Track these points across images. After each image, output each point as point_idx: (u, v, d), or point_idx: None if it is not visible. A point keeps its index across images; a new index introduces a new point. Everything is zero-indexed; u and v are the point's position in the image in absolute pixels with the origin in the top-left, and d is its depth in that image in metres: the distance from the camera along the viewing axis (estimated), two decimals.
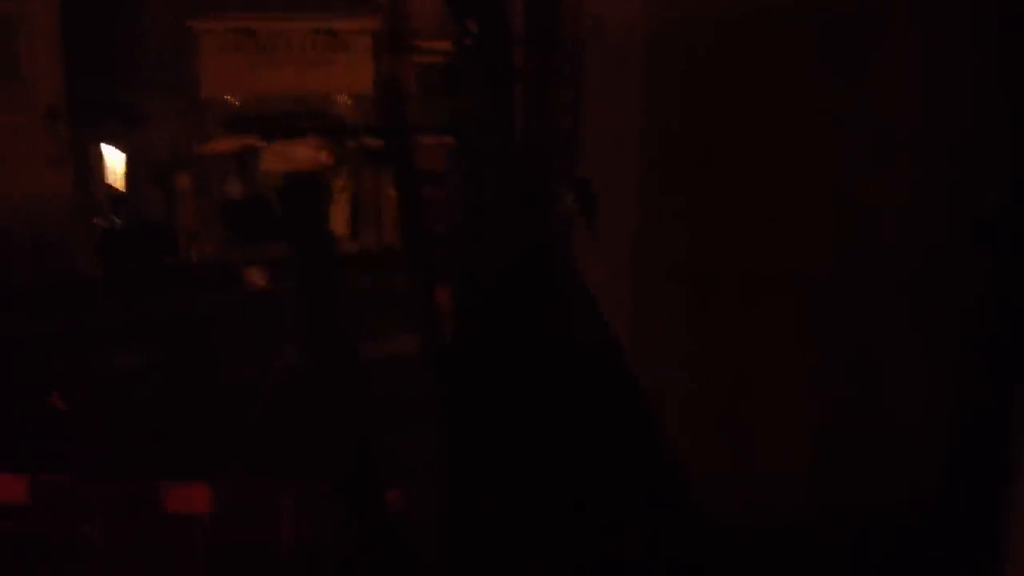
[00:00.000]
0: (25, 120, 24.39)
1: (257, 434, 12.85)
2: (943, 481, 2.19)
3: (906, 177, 2.55)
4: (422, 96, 24.92)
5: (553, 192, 4.37)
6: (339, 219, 28.22)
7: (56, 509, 13.64)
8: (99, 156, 29.08)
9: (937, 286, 2.40)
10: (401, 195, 6.68)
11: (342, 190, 28.77)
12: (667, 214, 4.33)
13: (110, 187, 30.07)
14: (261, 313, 24.17)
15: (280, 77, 27.73)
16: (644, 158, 4.74)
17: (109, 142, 28.95)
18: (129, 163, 29.50)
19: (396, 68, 28.73)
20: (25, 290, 23.24)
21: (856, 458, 2.62)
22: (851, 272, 2.76)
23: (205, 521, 13.00)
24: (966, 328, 2.30)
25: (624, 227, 5.11)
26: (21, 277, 23.78)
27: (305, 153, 26.05)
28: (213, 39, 26.86)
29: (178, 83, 26.88)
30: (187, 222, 27.94)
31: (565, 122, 5.74)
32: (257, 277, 26.91)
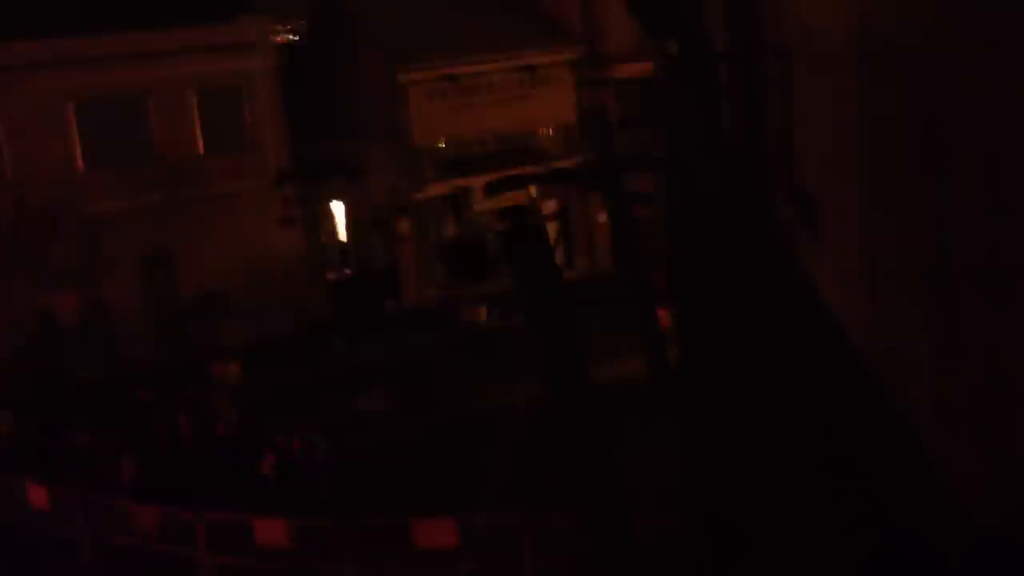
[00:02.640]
0: (257, 185, 25.96)
1: (497, 467, 13.16)
2: None
3: None
4: (624, 119, 24.99)
5: (771, 201, 4.33)
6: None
7: (315, 550, 14.39)
8: (326, 211, 30.69)
9: None
10: (615, 221, 6.74)
11: (552, 220, 29.14)
12: (897, 215, 4.20)
13: (337, 239, 31.64)
14: (484, 349, 24.79)
15: (484, 117, 28.44)
16: (865, 160, 4.62)
17: (333, 196, 30.50)
18: (352, 214, 30.97)
19: (597, 96, 28.93)
20: (258, 342, 24.65)
21: None
22: None
23: (453, 553, 13.37)
24: None
25: (850, 230, 4.99)
26: (256, 331, 25.21)
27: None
28: (420, 88, 27.86)
29: (392, 133, 28.04)
30: (409, 266, 29.02)
31: (776, 132, 5.66)
32: (478, 315, 27.61)
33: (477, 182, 28.52)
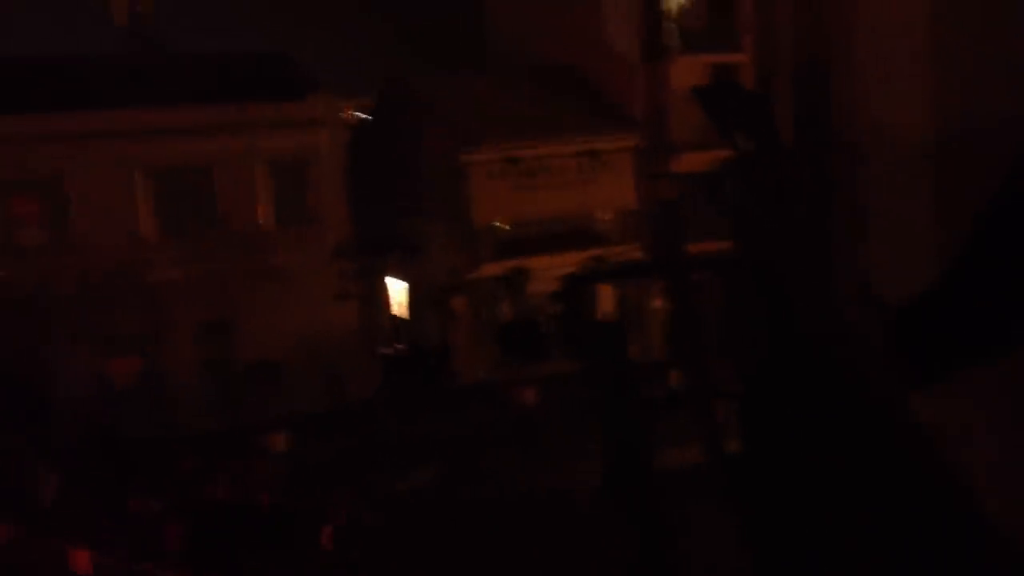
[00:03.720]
0: (315, 259, 26.28)
1: (543, 552, 12.96)
2: None
3: None
4: (687, 208, 24.99)
5: (844, 306, 4.23)
6: None
7: None
8: (383, 287, 30.96)
9: None
10: (677, 311, 6.68)
11: (607, 305, 29.08)
12: None
13: (393, 316, 31.86)
14: (534, 431, 24.65)
15: (544, 199, 28.66)
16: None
17: (392, 273, 30.80)
18: (409, 291, 31.20)
19: (661, 185, 29.02)
20: (309, 414, 24.73)
21: None
22: None
23: None
24: None
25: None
26: (308, 402, 25.30)
27: (570, 272, 26.62)
28: (482, 168, 28.19)
29: (452, 213, 28.35)
30: (462, 343, 29.07)
31: (845, 236, 5.57)
32: (528, 396, 27.51)
33: (534, 262, 28.62)
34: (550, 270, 26.94)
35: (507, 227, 28.91)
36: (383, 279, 30.16)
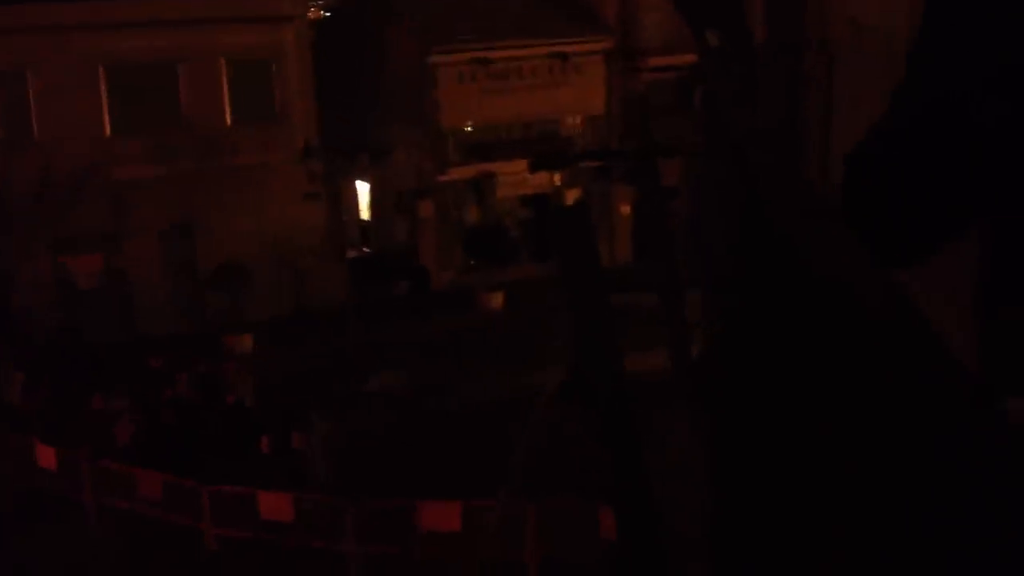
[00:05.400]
0: (282, 159, 25.93)
1: (510, 453, 13.09)
2: None
3: None
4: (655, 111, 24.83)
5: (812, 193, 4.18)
6: None
7: (317, 526, 14.36)
8: (350, 189, 30.69)
9: None
10: (646, 210, 6.65)
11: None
12: None
13: (359, 218, 31.64)
14: (499, 335, 24.73)
15: (514, 103, 28.36)
16: None
17: (358, 175, 30.48)
18: (375, 194, 30.93)
19: (629, 86, 28.77)
20: (275, 317, 24.68)
21: None
22: None
23: (458, 537, 13.31)
24: None
25: None
26: (274, 305, 25.25)
27: (539, 177, 26.50)
28: (449, 71, 27.78)
29: (419, 115, 27.99)
30: (429, 247, 28.98)
31: (814, 127, 5.54)
32: (494, 301, 27.54)
33: (502, 167, 28.44)
34: (518, 174, 26.81)
35: (474, 131, 28.63)
36: (351, 181, 29.91)
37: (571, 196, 28.47)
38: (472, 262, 29.54)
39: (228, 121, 26.13)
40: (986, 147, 1.40)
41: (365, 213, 30.97)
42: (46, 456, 16.46)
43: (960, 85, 1.41)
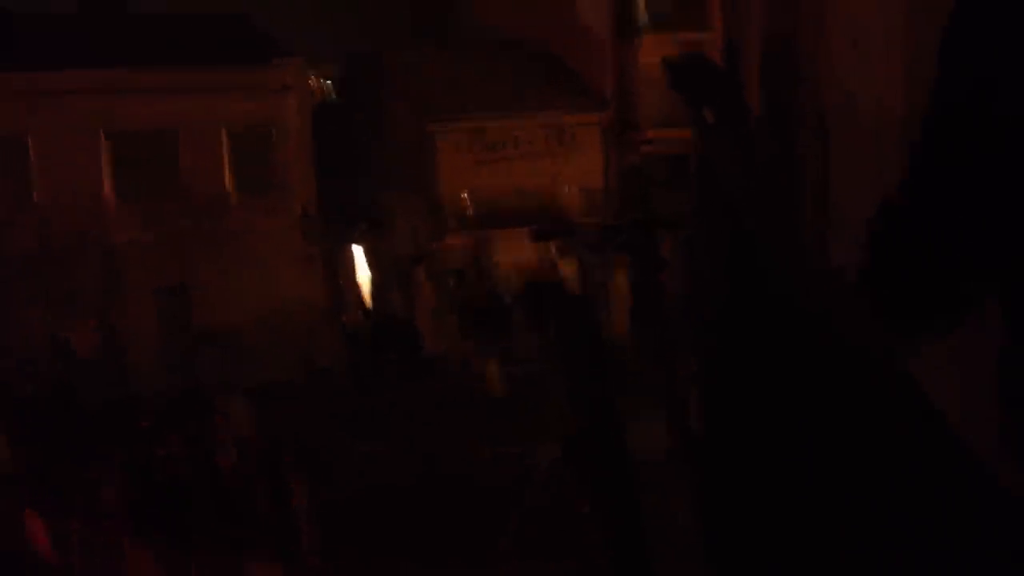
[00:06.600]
0: (279, 225, 26.08)
1: (504, 518, 12.99)
2: None
3: None
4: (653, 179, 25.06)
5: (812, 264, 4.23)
6: None
7: None
8: (348, 256, 30.79)
9: None
10: (643, 282, 6.69)
11: (571, 280, 29.16)
12: None
13: (357, 285, 31.71)
14: (495, 404, 24.68)
15: (510, 173, 28.61)
16: None
17: (355, 242, 30.62)
18: (374, 261, 31.05)
19: (626, 159, 29.09)
20: (268, 381, 24.62)
21: None
22: None
23: None
24: None
25: None
26: (267, 370, 25.20)
27: (536, 246, 26.65)
28: (447, 140, 28.08)
29: (417, 183, 28.23)
30: (424, 315, 29.02)
31: (812, 200, 5.61)
32: (489, 369, 27.53)
33: (499, 236, 28.60)
34: (515, 243, 26.95)
35: (470, 208, 28.84)
36: (348, 248, 30.03)
37: (568, 266, 28.60)
38: (467, 329, 29.58)
39: (227, 187, 26.31)
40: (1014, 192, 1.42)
41: (362, 279, 31.06)
42: (34, 524, 16.27)
43: (986, 119, 1.45)
